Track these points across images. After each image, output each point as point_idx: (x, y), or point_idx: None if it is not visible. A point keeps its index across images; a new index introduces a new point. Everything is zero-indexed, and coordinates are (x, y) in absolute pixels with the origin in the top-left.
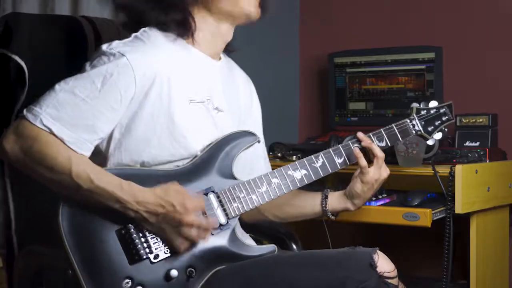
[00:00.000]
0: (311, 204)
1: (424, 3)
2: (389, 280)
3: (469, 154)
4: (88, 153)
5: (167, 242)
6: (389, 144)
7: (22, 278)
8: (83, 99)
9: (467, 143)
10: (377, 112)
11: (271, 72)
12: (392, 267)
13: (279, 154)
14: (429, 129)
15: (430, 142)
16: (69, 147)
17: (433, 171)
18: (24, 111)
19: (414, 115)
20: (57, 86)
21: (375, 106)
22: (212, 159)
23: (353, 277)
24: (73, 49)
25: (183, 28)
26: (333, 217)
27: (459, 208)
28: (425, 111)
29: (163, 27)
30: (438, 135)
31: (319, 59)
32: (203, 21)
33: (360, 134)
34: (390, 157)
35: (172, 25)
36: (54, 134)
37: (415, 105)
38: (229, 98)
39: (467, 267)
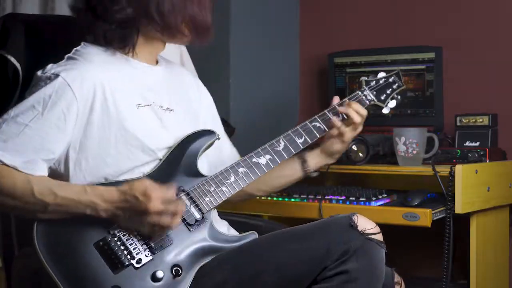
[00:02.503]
0: (291, 171)
1: (424, 3)
2: (373, 237)
3: (469, 154)
4: (44, 174)
5: (141, 233)
6: (346, 118)
7: (21, 278)
8: (26, 125)
9: (467, 143)
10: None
11: (271, 72)
12: (373, 224)
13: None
14: (382, 97)
15: (385, 110)
16: (24, 173)
17: (433, 171)
18: None
19: (365, 87)
20: None
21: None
22: (176, 161)
23: (336, 241)
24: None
25: (124, 43)
26: (315, 174)
27: (459, 208)
28: (374, 82)
29: (104, 41)
30: (392, 103)
31: (319, 59)
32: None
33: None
34: (390, 157)
35: (116, 40)
36: (5, 165)
37: (363, 78)
38: (177, 97)
39: (467, 267)
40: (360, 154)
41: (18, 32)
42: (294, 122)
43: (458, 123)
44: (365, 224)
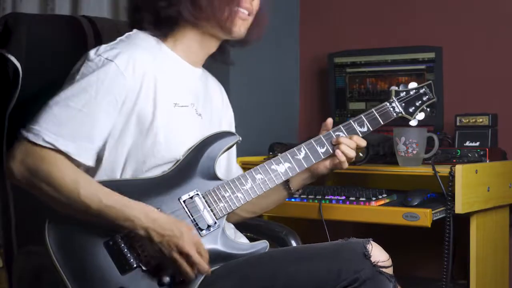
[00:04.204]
0: (276, 190)
1: (424, 3)
2: (384, 270)
3: (469, 154)
4: (92, 163)
5: (161, 261)
6: (371, 129)
7: (21, 278)
8: (79, 110)
9: (467, 143)
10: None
11: (271, 72)
12: (387, 256)
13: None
14: (410, 110)
15: (412, 122)
16: (75, 160)
17: (433, 171)
18: (24, 132)
19: (394, 98)
20: (50, 102)
21: (375, 106)
22: (194, 162)
23: (348, 267)
24: (73, 49)
25: (159, 28)
26: (298, 193)
27: (459, 208)
28: (404, 92)
29: (147, 26)
30: (420, 116)
31: (319, 59)
32: (188, 34)
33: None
34: (390, 157)
35: (149, 24)
36: (58, 149)
37: (393, 88)
38: (207, 105)
39: (467, 267)
40: (360, 154)
41: (20, 31)
42: (294, 122)
43: (458, 123)
44: (379, 256)
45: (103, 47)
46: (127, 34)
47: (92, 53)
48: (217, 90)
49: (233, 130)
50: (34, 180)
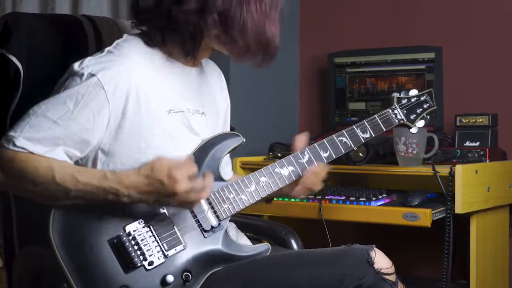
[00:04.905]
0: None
1: (424, 3)
2: (387, 277)
3: (469, 154)
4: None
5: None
6: (373, 135)
7: (21, 278)
8: (55, 121)
9: (467, 143)
10: (377, 112)
11: (271, 72)
12: (390, 263)
13: (279, 154)
14: (412, 117)
15: (413, 130)
16: (46, 158)
17: (433, 171)
18: (1, 139)
19: (396, 105)
20: (30, 111)
21: (375, 106)
22: (199, 162)
23: (351, 274)
24: (74, 48)
25: (188, 53)
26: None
27: (459, 208)
28: (405, 99)
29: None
30: (420, 123)
31: (319, 59)
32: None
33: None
34: (390, 157)
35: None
36: (31, 152)
37: (395, 94)
38: (208, 99)
39: (467, 267)
40: (360, 154)
41: (20, 31)
42: (294, 122)
43: (458, 123)
44: (382, 262)
45: (87, 59)
46: (115, 43)
47: (76, 65)
48: (216, 78)
49: (228, 120)
50: (10, 180)
